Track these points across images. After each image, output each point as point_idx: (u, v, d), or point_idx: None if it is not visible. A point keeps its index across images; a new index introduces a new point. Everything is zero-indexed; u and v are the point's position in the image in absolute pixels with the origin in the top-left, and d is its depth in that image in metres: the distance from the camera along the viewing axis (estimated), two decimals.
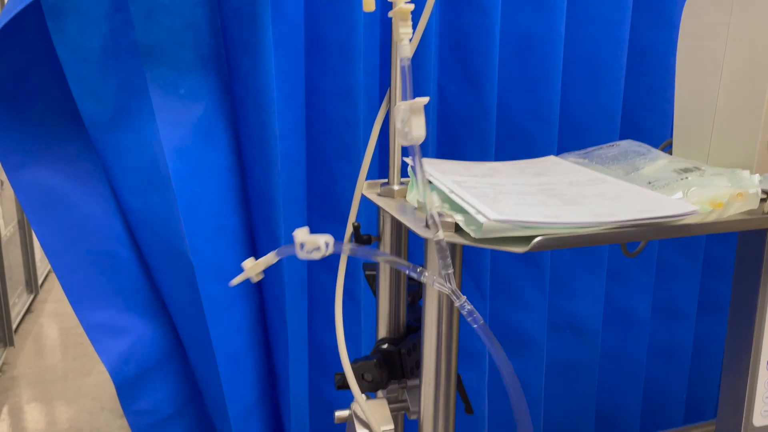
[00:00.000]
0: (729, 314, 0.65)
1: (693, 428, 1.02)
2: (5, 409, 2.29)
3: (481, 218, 0.51)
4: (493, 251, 1.12)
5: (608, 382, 1.29)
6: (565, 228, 0.51)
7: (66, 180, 0.87)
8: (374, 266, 0.78)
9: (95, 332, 0.90)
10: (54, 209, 0.86)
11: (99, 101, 0.82)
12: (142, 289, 0.94)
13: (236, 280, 0.65)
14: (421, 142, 0.53)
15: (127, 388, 0.93)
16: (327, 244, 0.57)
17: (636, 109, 1.12)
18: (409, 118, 0.51)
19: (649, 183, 0.62)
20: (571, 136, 1.08)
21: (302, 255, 0.57)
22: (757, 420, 0.66)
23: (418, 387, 0.63)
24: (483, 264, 1.11)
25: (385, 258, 0.65)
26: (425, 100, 0.52)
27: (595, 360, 1.26)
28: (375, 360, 0.68)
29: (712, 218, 0.56)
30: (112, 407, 2.27)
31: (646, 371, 1.32)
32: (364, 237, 0.69)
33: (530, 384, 1.21)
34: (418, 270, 0.57)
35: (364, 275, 0.84)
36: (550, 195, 0.60)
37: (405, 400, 0.72)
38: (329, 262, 1.03)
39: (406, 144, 0.53)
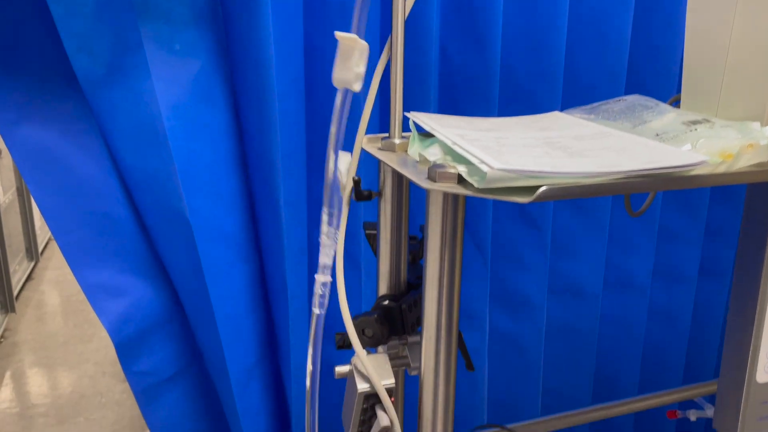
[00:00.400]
0: (734, 268, 0.65)
1: (693, 388, 1.03)
2: (8, 374, 2.31)
3: (484, 168, 0.49)
4: (495, 213, 1.11)
5: (607, 345, 1.30)
6: (570, 178, 0.50)
7: (61, 138, 0.85)
8: (374, 225, 0.78)
9: (94, 293, 0.90)
10: (50, 168, 0.85)
11: (93, 57, 0.80)
12: (140, 250, 0.93)
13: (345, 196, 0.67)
14: (351, 86, 0.50)
15: (127, 349, 0.93)
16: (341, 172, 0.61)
17: (641, 69, 1.10)
18: (336, 56, 0.49)
19: (657, 135, 0.60)
20: (575, 95, 1.06)
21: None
22: (761, 376, 0.66)
23: (419, 343, 0.62)
24: (484, 226, 1.10)
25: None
26: (351, 36, 0.49)
27: (595, 323, 1.26)
28: (376, 315, 0.67)
29: (721, 170, 0.55)
30: (114, 372, 2.29)
31: (646, 334, 1.32)
32: (365, 192, 0.68)
33: (529, 347, 1.22)
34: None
35: (364, 235, 0.84)
36: (555, 148, 0.59)
37: (406, 357, 0.71)
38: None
39: (336, 85, 0.51)
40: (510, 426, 0.91)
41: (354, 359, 0.67)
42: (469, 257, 1.11)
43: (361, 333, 0.67)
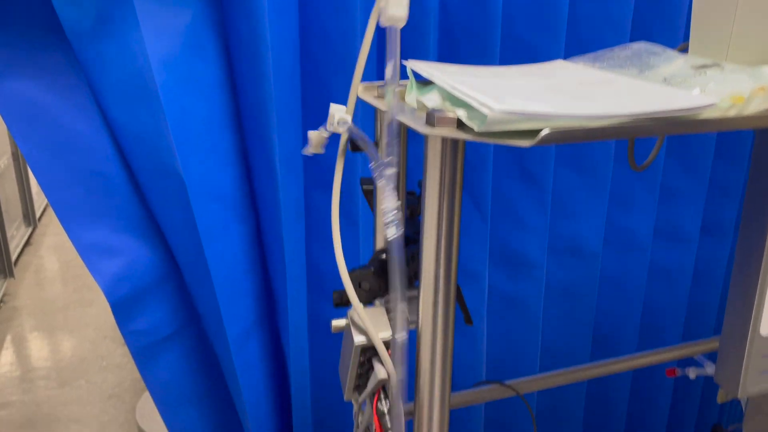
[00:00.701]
0: (740, 219, 0.63)
1: (692, 345, 1.02)
2: (8, 339, 2.32)
3: (485, 110, 0.47)
4: (494, 171, 1.09)
5: (607, 303, 1.29)
6: (574, 120, 0.48)
7: (49, 92, 0.83)
8: (371, 181, 0.76)
9: (88, 252, 0.89)
10: (38, 122, 0.82)
11: (79, 8, 0.77)
12: (134, 209, 0.92)
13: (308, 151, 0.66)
14: (400, 24, 0.49)
15: (123, 308, 0.92)
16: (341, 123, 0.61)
17: (647, 20, 1.07)
18: None
19: (665, 80, 0.58)
20: (578, 48, 1.03)
21: (330, 128, 0.62)
22: (765, 329, 0.65)
23: (417, 297, 0.61)
24: (484, 184, 1.08)
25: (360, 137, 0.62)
26: None
27: (595, 282, 1.25)
28: (372, 268, 0.66)
29: (731, 114, 0.53)
30: (114, 336, 2.30)
31: (645, 293, 1.31)
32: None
33: (529, 305, 1.21)
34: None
35: (361, 190, 0.82)
36: (558, 93, 0.56)
37: None
38: (325, 182, 1.01)
39: (384, 24, 0.50)
40: (508, 382, 0.91)
41: (351, 312, 0.65)
42: (468, 216, 1.09)
43: (357, 286, 0.65)
